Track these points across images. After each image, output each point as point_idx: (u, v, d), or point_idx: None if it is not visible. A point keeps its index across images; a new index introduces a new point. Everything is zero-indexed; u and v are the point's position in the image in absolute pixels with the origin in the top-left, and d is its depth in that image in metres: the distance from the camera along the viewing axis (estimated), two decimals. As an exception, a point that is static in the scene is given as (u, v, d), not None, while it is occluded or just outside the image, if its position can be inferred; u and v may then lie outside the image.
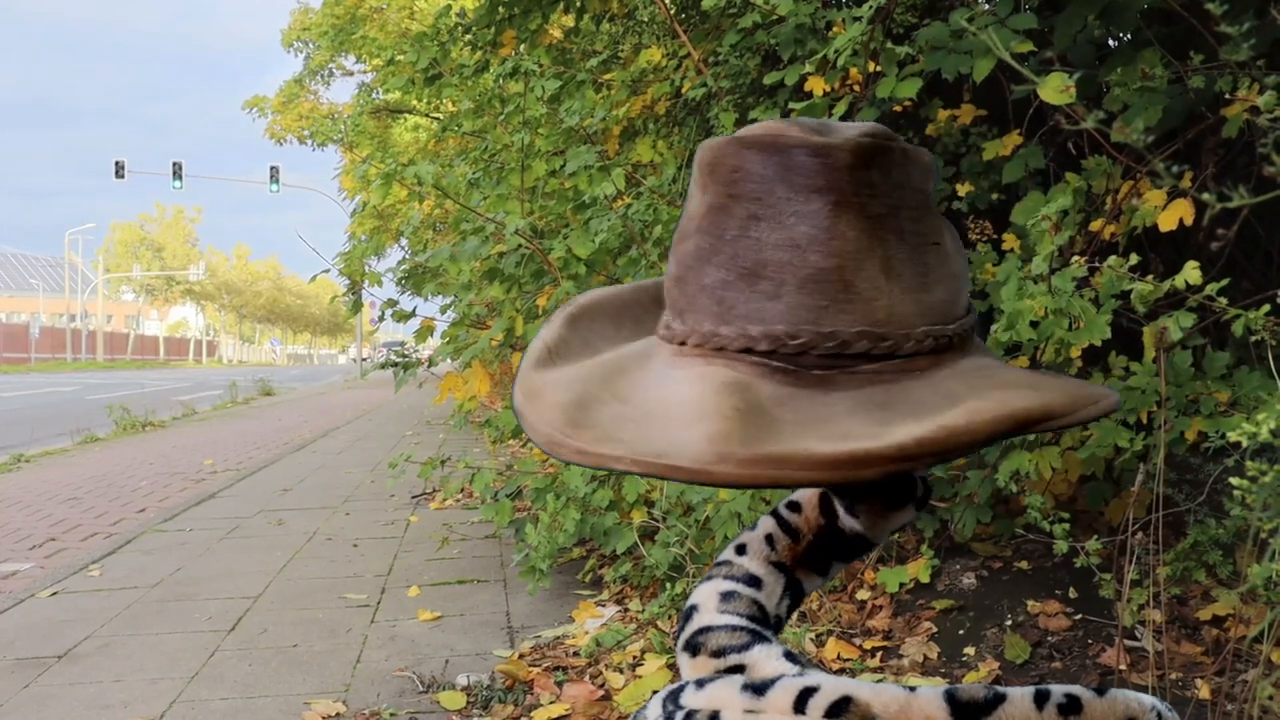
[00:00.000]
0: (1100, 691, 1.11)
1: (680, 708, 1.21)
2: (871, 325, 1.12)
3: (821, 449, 1.02)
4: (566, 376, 1.23)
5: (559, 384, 1.21)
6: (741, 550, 1.51)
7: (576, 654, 5.82)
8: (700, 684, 1.22)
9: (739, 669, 1.30)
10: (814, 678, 1.16)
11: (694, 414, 1.08)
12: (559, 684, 5.38)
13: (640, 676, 5.24)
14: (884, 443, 1.02)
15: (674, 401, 1.12)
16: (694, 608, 1.44)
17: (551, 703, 5.16)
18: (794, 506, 1.53)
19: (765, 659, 1.29)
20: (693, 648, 1.37)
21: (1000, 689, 1.11)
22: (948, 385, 1.13)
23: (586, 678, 5.47)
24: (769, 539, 1.52)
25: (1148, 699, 1.12)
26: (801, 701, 1.13)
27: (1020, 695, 1.10)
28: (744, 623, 1.38)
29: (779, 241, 1.13)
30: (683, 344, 1.19)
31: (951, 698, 1.09)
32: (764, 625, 1.42)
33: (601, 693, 5.23)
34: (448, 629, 6.62)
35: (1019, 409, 1.06)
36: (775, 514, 1.55)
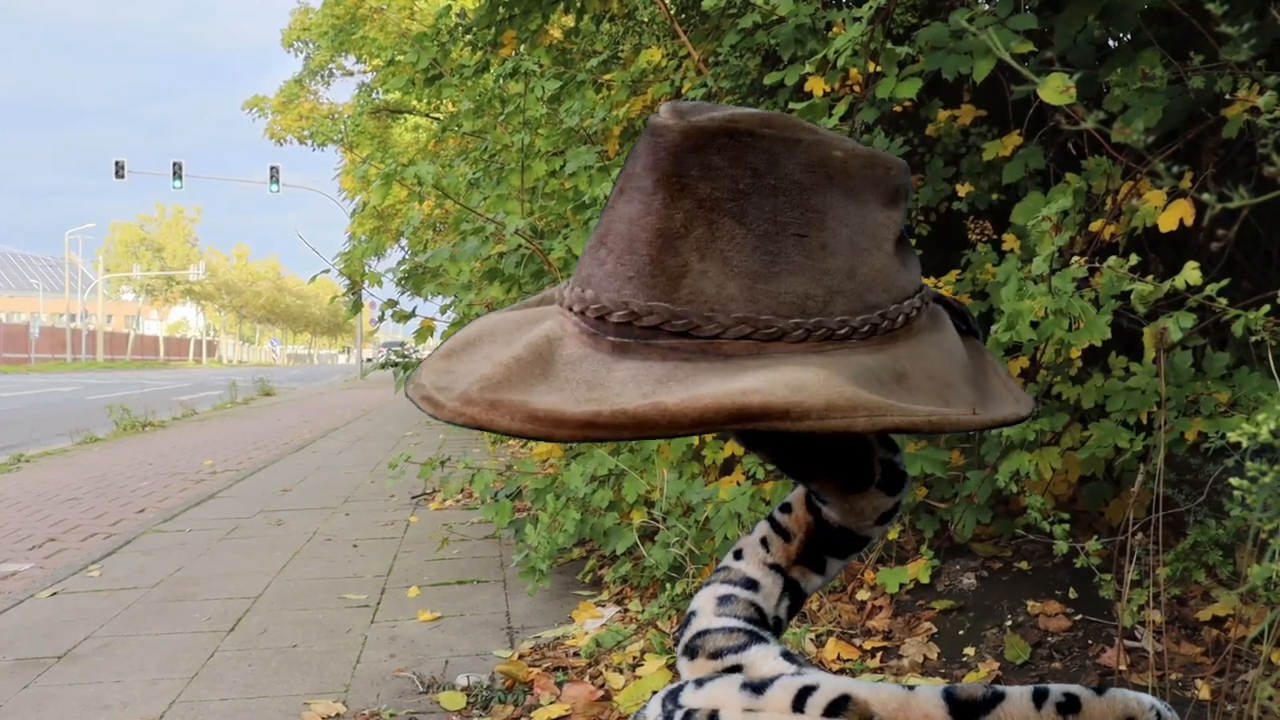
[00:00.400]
0: (1099, 691, 1.11)
1: (679, 707, 1.21)
2: (669, 301, 1.12)
3: (537, 404, 1.05)
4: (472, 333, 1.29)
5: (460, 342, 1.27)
6: (738, 555, 1.52)
7: (576, 654, 5.82)
8: (699, 683, 1.23)
9: (736, 669, 1.30)
10: (812, 676, 1.16)
11: (506, 354, 1.14)
12: (559, 684, 5.38)
13: (640, 677, 5.24)
14: (581, 410, 1.04)
15: (516, 342, 1.19)
16: (693, 613, 1.46)
17: (551, 703, 5.16)
18: (786, 508, 1.54)
19: (763, 659, 1.30)
20: (691, 651, 1.38)
21: (999, 688, 1.11)
22: (747, 368, 1.10)
23: (586, 678, 5.47)
24: (764, 542, 1.53)
25: (1147, 698, 1.12)
26: (800, 700, 1.13)
27: (1019, 694, 1.10)
28: (741, 624, 1.39)
29: (621, 215, 1.17)
30: (560, 303, 1.25)
31: (950, 696, 1.09)
32: (762, 627, 1.42)
33: (601, 693, 5.23)
34: (447, 629, 6.62)
35: (737, 401, 1.02)
36: (770, 518, 1.55)
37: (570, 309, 1.19)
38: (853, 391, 1.07)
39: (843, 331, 1.17)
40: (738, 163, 1.14)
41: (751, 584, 1.47)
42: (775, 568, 1.50)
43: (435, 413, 1.11)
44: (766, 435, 1.38)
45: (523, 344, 1.15)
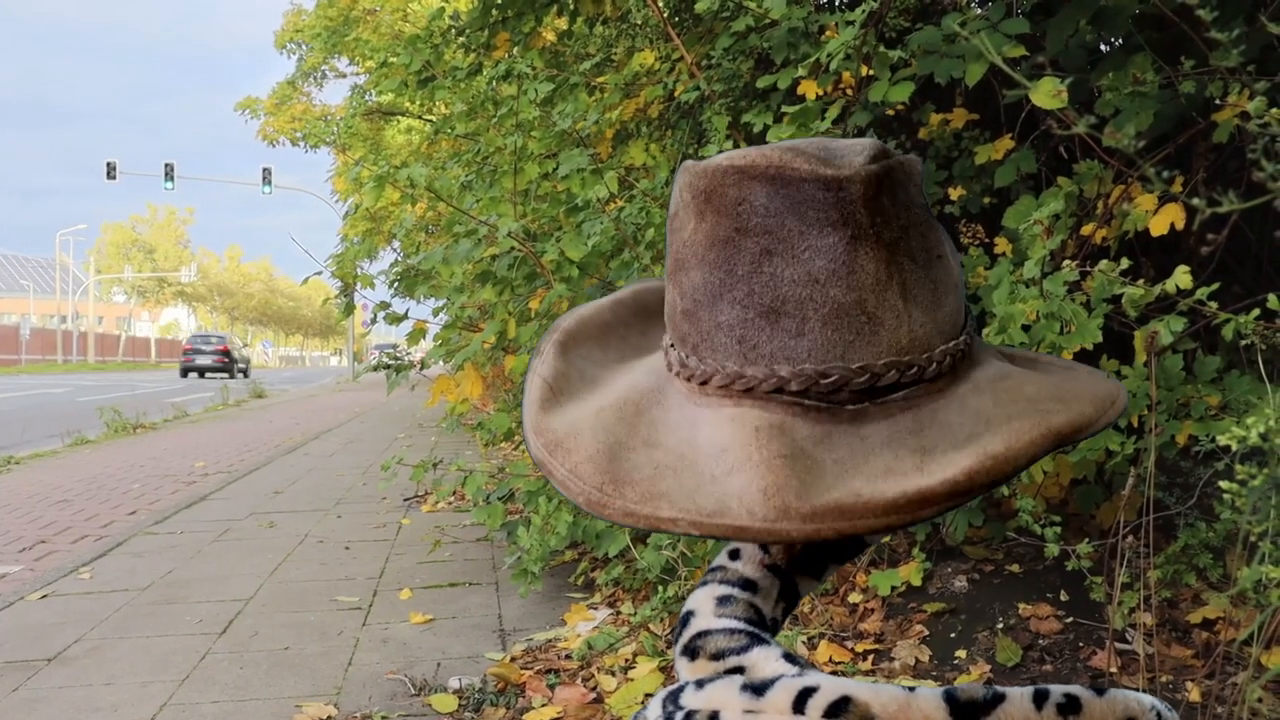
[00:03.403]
0: (1100, 691, 1.12)
1: (680, 708, 1.21)
2: (897, 354, 1.13)
3: (879, 493, 1.03)
4: (583, 420, 1.21)
5: (579, 430, 1.20)
6: (735, 555, 1.50)
7: (568, 657, 5.82)
8: (700, 684, 1.23)
9: (738, 670, 1.30)
10: (813, 678, 1.17)
11: (737, 462, 1.08)
12: (551, 687, 5.39)
13: (632, 679, 5.25)
14: (936, 479, 1.04)
15: (710, 448, 1.12)
16: (690, 613, 1.44)
17: (543, 706, 5.16)
18: None
19: (764, 660, 1.29)
20: (691, 651, 1.36)
21: (1000, 688, 1.11)
22: (973, 403, 1.14)
23: (578, 681, 5.47)
24: (763, 544, 1.51)
25: (1147, 699, 1.13)
26: (801, 701, 1.13)
27: (1020, 695, 1.11)
28: (742, 625, 1.37)
29: (796, 277, 1.13)
30: (705, 383, 1.18)
31: (951, 697, 1.10)
32: (761, 627, 1.41)
33: (593, 696, 5.24)
34: (439, 632, 6.63)
35: (1056, 427, 1.08)
36: None
37: (775, 392, 1.14)
38: (1094, 385, 1.17)
39: (973, 337, 1.24)
40: (897, 201, 1.16)
41: (749, 584, 1.46)
42: (773, 569, 1.48)
43: (780, 539, 1.05)
44: None
45: (755, 444, 1.10)
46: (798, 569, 1.50)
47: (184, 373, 70.02)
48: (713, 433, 1.13)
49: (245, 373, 73.64)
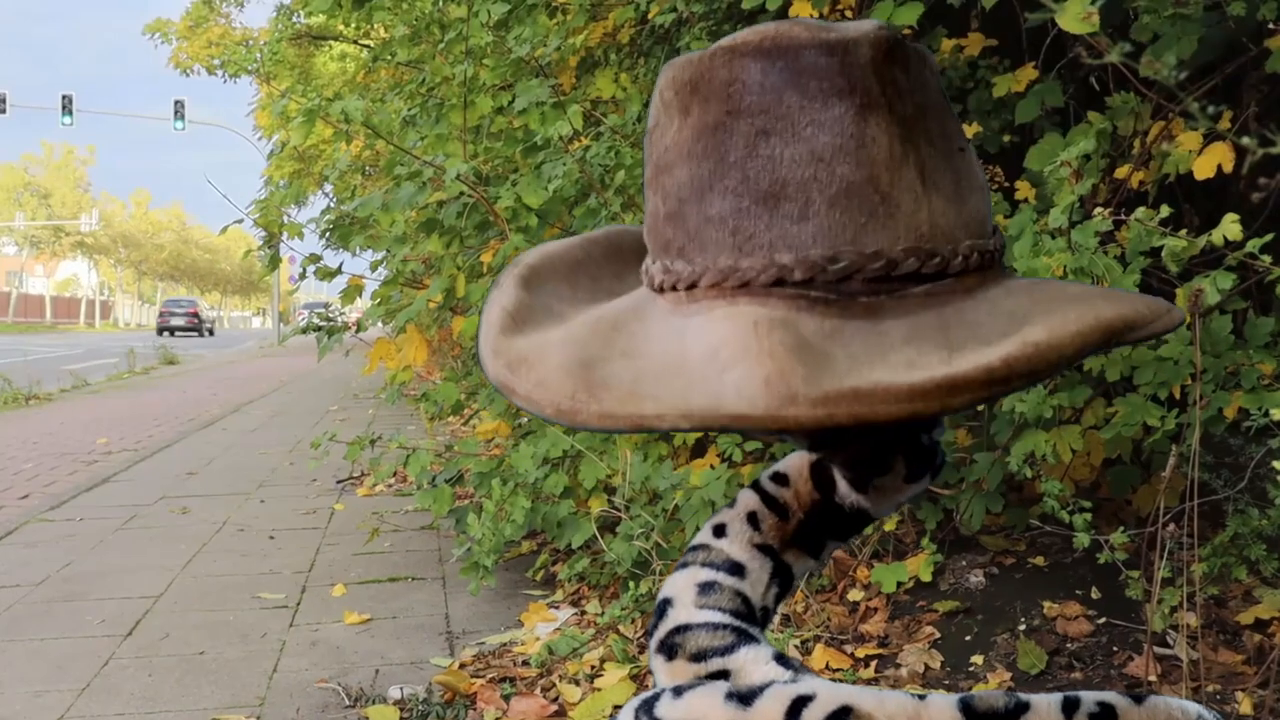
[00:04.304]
0: (1138, 700, 1.10)
1: (656, 719, 1.20)
2: (917, 241, 1.10)
3: (901, 379, 1.00)
4: (551, 339, 1.17)
5: (546, 345, 1.16)
6: (720, 532, 1.48)
7: (526, 663, 5.82)
8: (678, 692, 1.21)
9: (723, 674, 1.28)
10: (808, 685, 1.15)
11: (732, 356, 1.04)
12: (505, 697, 5.39)
13: (599, 689, 5.25)
14: (969, 365, 1.01)
15: (700, 351, 1.08)
16: (668, 602, 1.42)
17: (497, 719, 5.16)
18: (780, 479, 1.50)
19: (753, 663, 1.28)
20: (669, 649, 1.34)
21: (1023, 696, 1.10)
22: (1006, 304, 1.12)
23: (537, 690, 5.47)
24: (752, 518, 1.48)
25: (1192, 707, 1.11)
26: (794, 712, 1.12)
27: (1047, 704, 1.09)
28: (727, 619, 1.36)
29: (797, 156, 1.10)
30: (692, 286, 1.15)
31: (967, 707, 1.09)
32: (750, 621, 1.39)
33: (555, 707, 5.24)
34: (378, 634, 6.62)
35: (1105, 318, 1.06)
36: (758, 488, 1.51)
37: (775, 284, 1.10)
38: (1140, 296, 1.15)
39: (1003, 248, 1.22)
40: (910, 75, 1.15)
41: (736, 568, 1.44)
42: (765, 549, 1.46)
43: (788, 426, 1.01)
44: None
45: (753, 337, 1.05)
46: (792, 545, 1.48)
47: (159, 331, 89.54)
48: (703, 335, 1.10)
49: (211, 331, 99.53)
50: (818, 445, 1.40)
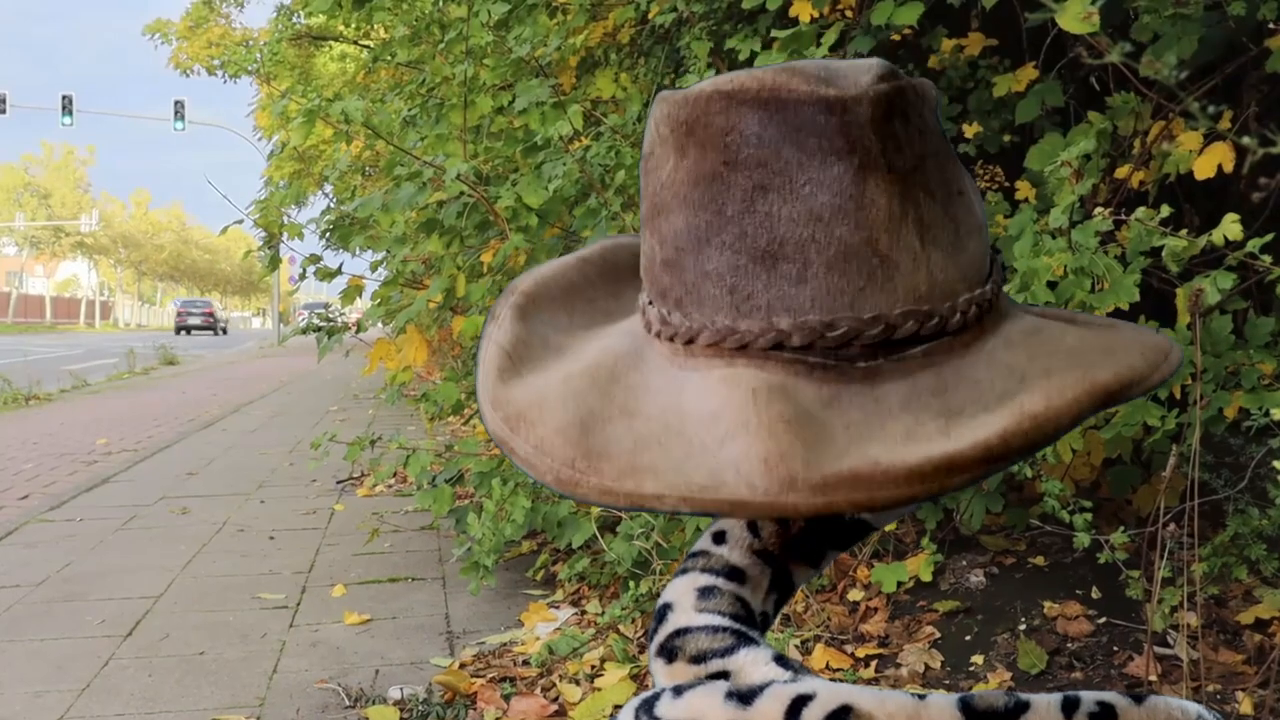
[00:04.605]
0: (1138, 699, 1.10)
1: (656, 719, 1.20)
2: (915, 302, 1.10)
3: (899, 459, 1.00)
4: (549, 390, 1.17)
5: (545, 400, 1.16)
6: (720, 539, 1.47)
7: (526, 663, 5.82)
8: (678, 692, 1.21)
9: (723, 675, 1.28)
10: (808, 684, 1.15)
11: (731, 429, 1.04)
12: (506, 697, 5.38)
13: (599, 689, 5.24)
14: (966, 442, 1.01)
15: (699, 414, 1.08)
16: (667, 606, 1.41)
17: (497, 718, 5.16)
18: None
19: (753, 664, 1.26)
20: (668, 652, 1.33)
21: (1023, 696, 1.10)
22: (1004, 358, 1.12)
23: (537, 690, 5.47)
24: (752, 525, 1.47)
25: (1193, 707, 1.11)
26: (794, 711, 1.12)
27: (1046, 703, 1.09)
28: (727, 623, 1.35)
29: (796, 215, 1.09)
30: (690, 342, 1.14)
31: (967, 706, 1.08)
32: (749, 624, 1.38)
33: (555, 707, 5.24)
34: (378, 634, 6.62)
35: (1103, 382, 1.06)
36: None
37: (774, 348, 1.10)
38: (1141, 337, 1.16)
39: (1000, 286, 1.21)
40: (910, 127, 1.14)
41: (736, 574, 1.43)
42: (764, 555, 1.45)
43: (786, 513, 1.04)
44: None
45: (752, 408, 1.05)
46: (792, 555, 1.47)
47: (177, 330, 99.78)
48: (701, 397, 1.10)
49: (225, 330, 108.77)
50: None
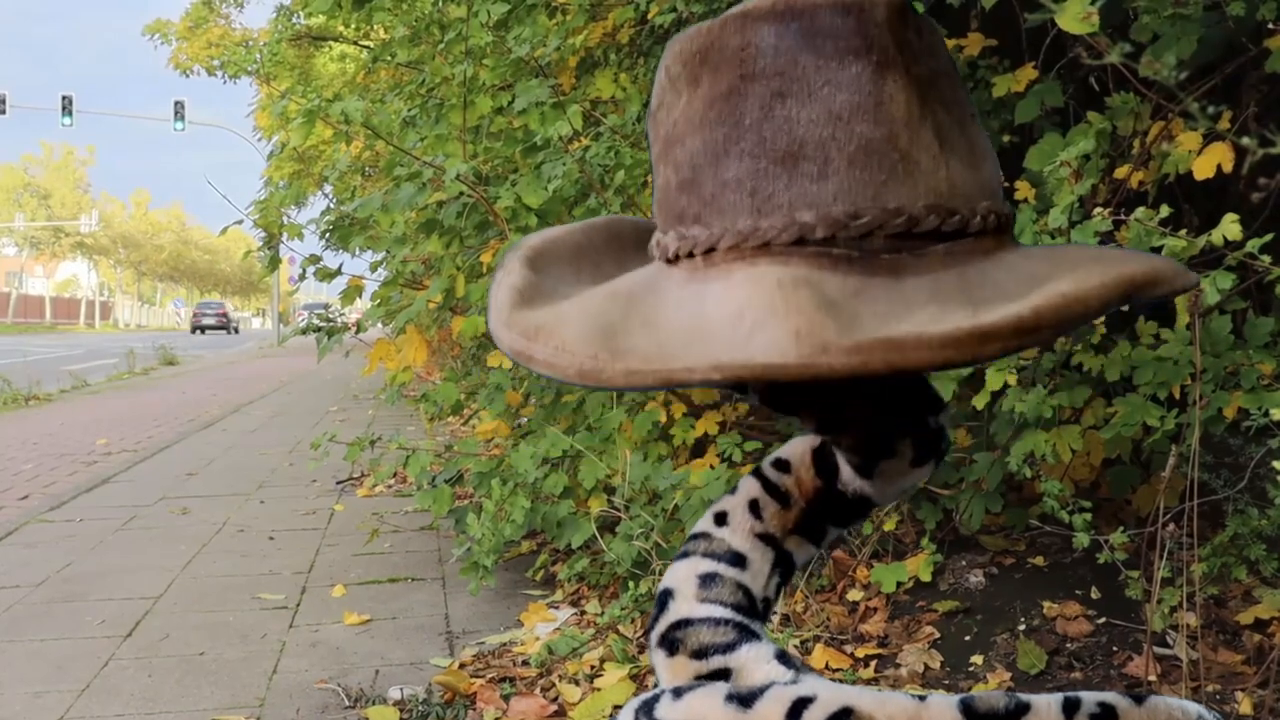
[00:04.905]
0: (1139, 700, 1.10)
1: None
2: (937, 199, 1.10)
3: (933, 329, 0.99)
4: (567, 310, 1.16)
5: (563, 314, 1.14)
6: (721, 520, 1.47)
7: (526, 663, 5.82)
8: (678, 693, 1.21)
9: (724, 672, 1.28)
10: (809, 685, 1.15)
11: (759, 319, 1.02)
12: (505, 698, 5.38)
13: (599, 689, 5.24)
14: (998, 315, 1.00)
15: (721, 316, 1.06)
16: (669, 593, 1.41)
17: (497, 719, 5.16)
18: (782, 465, 1.49)
19: (755, 662, 1.27)
20: (670, 644, 1.34)
21: (1023, 697, 1.10)
22: (1025, 267, 1.12)
23: (537, 690, 5.47)
24: (753, 506, 1.47)
25: (1193, 707, 1.11)
26: (795, 714, 1.12)
27: (1047, 704, 1.09)
28: (729, 614, 1.35)
29: (815, 116, 1.10)
30: (710, 251, 1.13)
31: (968, 707, 1.09)
32: (751, 614, 1.39)
33: (554, 707, 5.23)
34: (378, 634, 6.62)
35: (1128, 272, 1.06)
36: (759, 475, 1.50)
37: (796, 243, 1.09)
38: (1165, 259, 1.14)
39: (1014, 215, 1.24)
40: (924, 40, 1.15)
41: (738, 559, 1.43)
42: (766, 538, 1.45)
43: (821, 374, 0.99)
44: (818, 389, 1.32)
45: (778, 296, 1.04)
46: (794, 532, 1.47)
47: (193, 329, 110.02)
48: (724, 300, 1.08)
49: (237, 329, 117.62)
50: (826, 427, 1.39)
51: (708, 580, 1.40)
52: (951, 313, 1.03)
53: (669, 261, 1.19)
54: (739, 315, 1.04)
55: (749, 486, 1.49)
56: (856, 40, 1.10)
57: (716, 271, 1.12)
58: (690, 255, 1.15)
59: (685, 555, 1.46)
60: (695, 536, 1.47)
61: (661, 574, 5.42)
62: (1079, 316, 1.02)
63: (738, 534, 1.45)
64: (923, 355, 0.98)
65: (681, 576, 1.42)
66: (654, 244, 1.24)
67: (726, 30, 1.14)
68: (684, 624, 1.34)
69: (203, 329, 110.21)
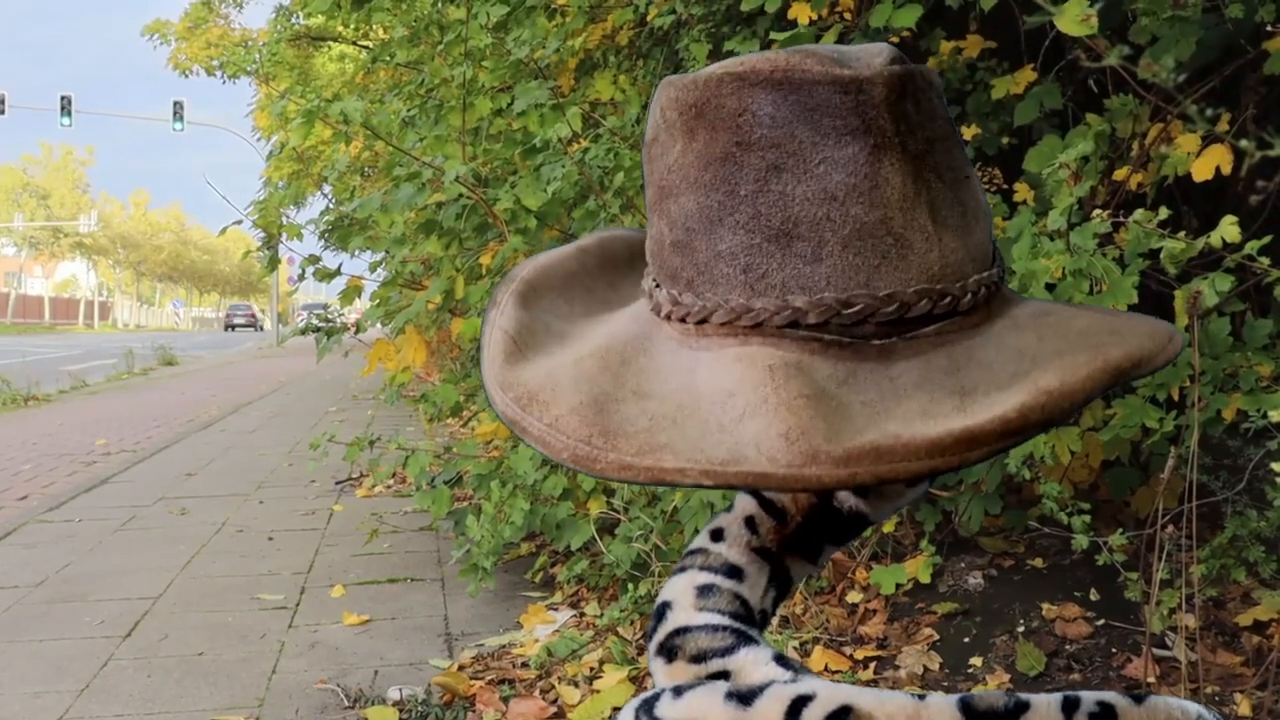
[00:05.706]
0: (1138, 700, 1.10)
1: (656, 719, 1.20)
2: (929, 281, 1.10)
3: (919, 433, 1.00)
4: (559, 372, 1.17)
5: (556, 381, 1.15)
6: (718, 536, 1.47)
7: (525, 665, 5.82)
8: (678, 692, 1.21)
9: (723, 675, 1.28)
10: (808, 685, 1.15)
11: (749, 407, 1.04)
12: (505, 699, 5.38)
13: (598, 691, 5.24)
14: (984, 417, 1.01)
15: (713, 393, 1.08)
16: (667, 605, 1.41)
17: (496, 720, 5.16)
18: None
19: (753, 664, 1.27)
20: (668, 651, 1.34)
21: (1023, 696, 1.10)
22: (1013, 340, 1.12)
23: (536, 692, 5.47)
24: (750, 522, 1.47)
25: (1193, 707, 1.11)
26: (794, 712, 1.12)
27: (1046, 704, 1.09)
28: (727, 621, 1.35)
29: (810, 194, 1.09)
30: (702, 322, 1.14)
31: (967, 707, 1.08)
32: (748, 623, 1.39)
33: (554, 709, 5.23)
34: (377, 635, 6.62)
35: (1114, 360, 1.07)
36: (755, 492, 1.49)
37: (789, 326, 1.10)
38: (1147, 323, 1.16)
39: (1004, 272, 1.23)
40: (921, 110, 1.14)
41: (734, 571, 1.43)
42: (763, 552, 1.45)
43: (809, 486, 1.01)
44: None
45: (770, 385, 1.05)
46: (789, 550, 1.48)
47: (226, 328, 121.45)
48: (715, 376, 1.10)
49: (262, 327, 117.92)
50: None
51: (705, 591, 1.41)
52: (939, 403, 1.05)
53: (662, 318, 1.20)
54: (729, 396, 1.07)
55: (745, 503, 1.50)
56: (854, 120, 1.10)
57: (707, 343, 1.14)
58: (683, 320, 1.16)
59: (682, 569, 1.46)
60: (692, 552, 1.48)
61: (661, 575, 5.44)
62: (1065, 412, 1.04)
63: (734, 548, 1.45)
64: (910, 465, 1.00)
65: (679, 589, 1.42)
66: (647, 285, 1.25)
67: (724, 90, 1.13)
68: (682, 631, 1.34)
69: (234, 327, 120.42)
